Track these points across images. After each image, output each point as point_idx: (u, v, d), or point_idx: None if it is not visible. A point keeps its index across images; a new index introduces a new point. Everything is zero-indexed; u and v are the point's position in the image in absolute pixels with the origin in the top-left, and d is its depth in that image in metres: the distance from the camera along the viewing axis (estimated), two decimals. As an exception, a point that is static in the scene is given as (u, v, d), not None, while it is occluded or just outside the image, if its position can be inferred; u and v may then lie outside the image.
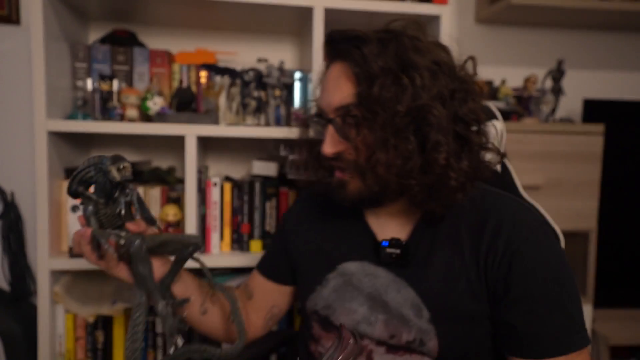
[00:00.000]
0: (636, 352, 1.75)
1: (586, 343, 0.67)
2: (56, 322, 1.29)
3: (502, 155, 0.76)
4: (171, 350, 0.66)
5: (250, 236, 1.36)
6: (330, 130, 0.70)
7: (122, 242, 0.66)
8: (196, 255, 0.75)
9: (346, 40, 0.68)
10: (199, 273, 0.85)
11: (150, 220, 0.74)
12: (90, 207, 0.69)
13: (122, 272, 0.72)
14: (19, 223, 1.48)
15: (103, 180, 0.69)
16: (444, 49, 0.72)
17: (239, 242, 1.37)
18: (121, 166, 0.67)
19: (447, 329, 0.70)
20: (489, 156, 0.74)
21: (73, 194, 0.71)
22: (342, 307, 0.77)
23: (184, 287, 0.81)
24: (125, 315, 1.34)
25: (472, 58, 0.74)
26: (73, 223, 1.24)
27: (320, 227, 0.85)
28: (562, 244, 0.82)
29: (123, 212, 0.71)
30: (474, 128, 0.70)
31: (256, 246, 1.37)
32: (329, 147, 0.70)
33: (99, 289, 1.43)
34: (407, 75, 0.65)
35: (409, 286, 0.72)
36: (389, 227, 0.77)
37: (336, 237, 0.82)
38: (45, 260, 1.22)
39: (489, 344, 0.72)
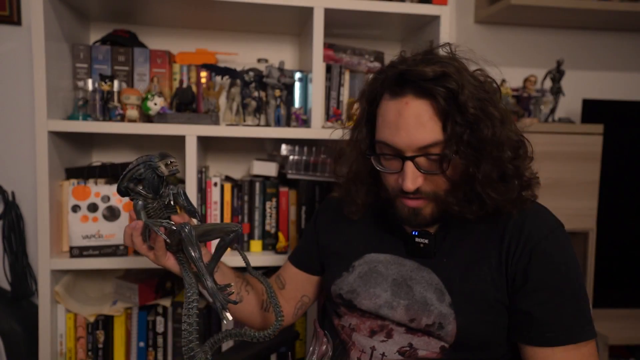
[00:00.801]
0: (635, 352, 1.75)
1: (593, 335, 0.72)
2: (57, 322, 1.30)
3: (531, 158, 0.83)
4: (224, 322, 0.70)
5: (251, 236, 1.37)
6: (411, 167, 0.71)
7: (173, 228, 0.72)
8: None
9: (426, 80, 0.69)
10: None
11: (192, 213, 0.79)
12: (140, 202, 0.74)
13: (169, 261, 0.78)
14: (19, 223, 1.48)
15: (151, 176, 0.74)
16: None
17: (239, 242, 1.37)
18: (169, 162, 0.73)
19: (467, 313, 0.74)
20: None
21: (123, 191, 0.77)
22: (366, 292, 0.82)
23: (222, 276, 0.87)
24: (126, 315, 1.34)
25: (480, 70, 0.80)
26: (73, 223, 1.25)
27: (352, 221, 0.90)
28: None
29: (172, 202, 0.78)
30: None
31: (256, 246, 1.37)
32: (411, 184, 0.72)
33: (99, 289, 1.44)
34: (488, 111, 0.70)
35: (432, 273, 0.78)
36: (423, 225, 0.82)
37: (367, 230, 0.88)
38: (46, 260, 1.22)
39: (504, 334, 0.76)
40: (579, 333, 0.71)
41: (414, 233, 0.80)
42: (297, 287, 0.99)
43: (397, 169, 0.74)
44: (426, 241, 0.79)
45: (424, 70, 0.69)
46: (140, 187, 0.75)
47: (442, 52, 0.78)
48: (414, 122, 0.70)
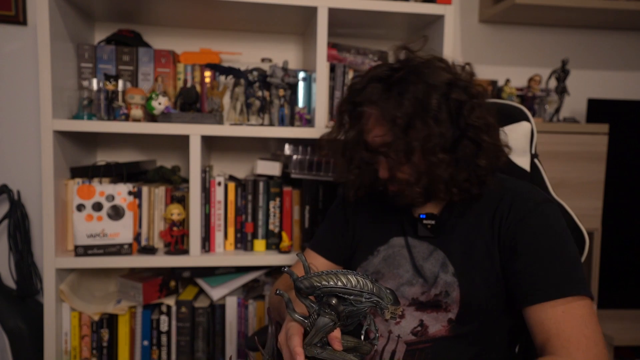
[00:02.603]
0: (640, 353, 1.74)
1: (584, 292, 0.75)
2: (62, 320, 1.30)
3: (510, 149, 0.90)
4: None
5: (254, 235, 1.37)
6: (382, 160, 0.86)
7: None
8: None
9: (376, 90, 0.82)
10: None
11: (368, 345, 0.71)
12: (327, 320, 0.65)
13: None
14: (25, 222, 1.49)
15: (363, 310, 0.66)
16: (443, 61, 0.86)
17: (243, 242, 1.37)
18: (398, 310, 0.65)
19: (467, 281, 0.83)
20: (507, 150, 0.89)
21: (308, 290, 0.67)
22: (391, 273, 0.91)
23: None
24: (130, 314, 1.35)
25: (468, 64, 0.87)
26: (78, 222, 1.25)
27: (374, 207, 0.99)
28: (587, 244, 0.96)
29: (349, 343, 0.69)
30: (485, 130, 0.83)
31: (260, 246, 1.37)
32: (385, 173, 0.86)
33: (104, 288, 1.44)
34: (429, 114, 0.79)
35: (439, 249, 0.88)
36: (425, 207, 0.92)
37: (385, 216, 0.96)
38: (51, 259, 1.23)
39: (502, 302, 0.83)
40: (567, 288, 0.75)
41: (421, 216, 0.90)
42: None
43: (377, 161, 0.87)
44: (432, 222, 0.89)
45: (376, 86, 0.83)
46: (340, 307, 0.65)
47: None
48: (374, 126, 0.84)
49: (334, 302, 0.66)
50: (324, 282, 0.66)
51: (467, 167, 0.83)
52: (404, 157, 0.82)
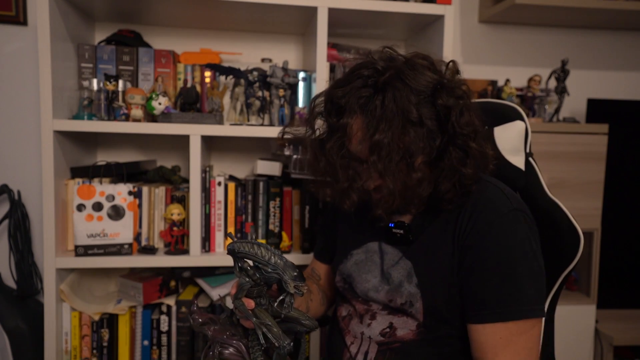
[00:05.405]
0: (640, 353, 1.74)
1: (529, 315, 0.76)
2: (62, 320, 1.30)
3: (493, 155, 0.87)
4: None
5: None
6: (367, 170, 0.81)
7: (276, 343, 0.75)
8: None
9: (359, 98, 0.78)
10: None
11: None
12: (243, 281, 0.77)
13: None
14: (25, 222, 1.49)
15: (273, 280, 0.76)
16: (427, 59, 0.82)
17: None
18: (299, 286, 0.73)
19: (429, 293, 0.83)
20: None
21: (237, 257, 0.77)
22: (360, 277, 0.92)
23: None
24: (130, 313, 1.35)
25: (452, 62, 0.83)
26: (78, 222, 1.25)
27: (356, 210, 0.96)
28: (581, 243, 0.89)
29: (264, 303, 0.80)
30: (472, 137, 0.80)
31: (260, 245, 1.37)
32: (370, 183, 0.82)
33: (104, 288, 1.44)
34: (416, 123, 0.76)
35: (407, 259, 0.87)
36: (398, 215, 0.91)
37: (362, 222, 0.96)
38: (51, 259, 1.23)
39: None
40: (511, 312, 0.75)
41: (390, 225, 0.89)
42: (330, 277, 1.09)
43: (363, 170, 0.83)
44: (401, 231, 0.88)
45: (360, 92, 0.78)
46: (251, 271, 0.76)
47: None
48: (357, 134, 0.79)
49: (245, 265, 0.77)
50: (241, 248, 0.75)
51: (452, 176, 0.79)
52: (388, 167, 0.77)
